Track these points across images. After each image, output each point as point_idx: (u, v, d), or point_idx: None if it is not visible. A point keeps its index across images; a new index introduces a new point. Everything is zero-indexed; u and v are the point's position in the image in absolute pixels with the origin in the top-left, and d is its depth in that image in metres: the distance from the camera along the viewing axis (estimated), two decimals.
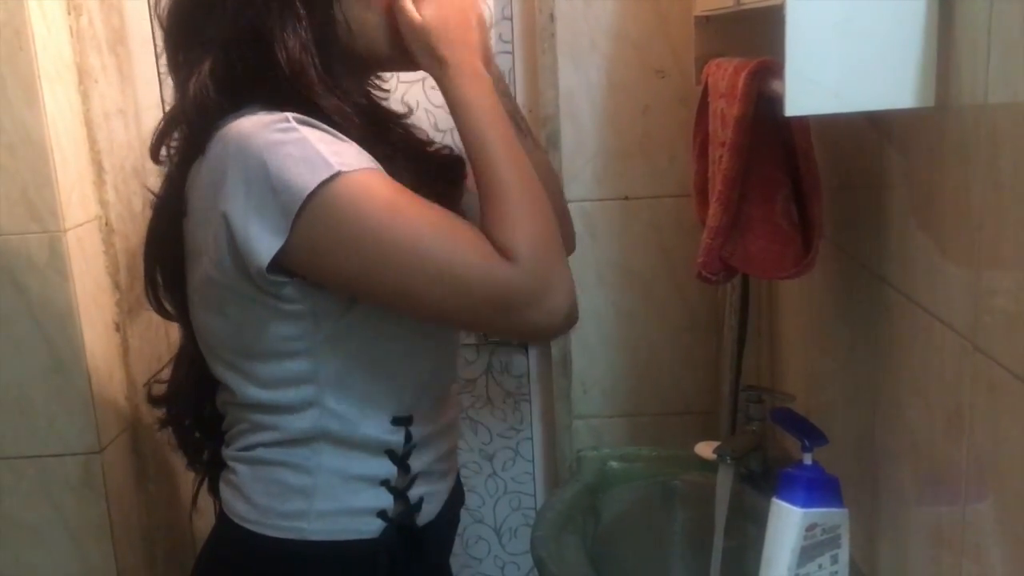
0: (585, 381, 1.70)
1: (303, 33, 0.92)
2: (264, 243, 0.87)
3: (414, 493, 1.02)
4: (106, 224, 1.52)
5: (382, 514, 0.99)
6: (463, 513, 1.79)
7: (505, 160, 0.91)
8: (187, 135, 0.95)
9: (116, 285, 1.55)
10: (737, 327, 1.54)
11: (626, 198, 1.64)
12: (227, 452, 1.05)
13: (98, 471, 1.49)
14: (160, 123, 0.99)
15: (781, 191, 1.08)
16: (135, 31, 1.63)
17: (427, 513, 1.04)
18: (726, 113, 1.08)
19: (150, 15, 1.62)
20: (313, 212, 0.85)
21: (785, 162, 1.08)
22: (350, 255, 0.87)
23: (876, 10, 0.81)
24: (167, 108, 1.63)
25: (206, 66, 0.92)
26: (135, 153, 1.63)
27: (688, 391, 1.71)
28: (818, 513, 0.98)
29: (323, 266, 0.89)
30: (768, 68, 1.00)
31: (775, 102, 0.91)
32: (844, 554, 1.01)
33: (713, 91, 1.16)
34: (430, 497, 1.04)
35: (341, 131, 0.91)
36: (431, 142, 1.09)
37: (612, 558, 1.38)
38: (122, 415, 1.57)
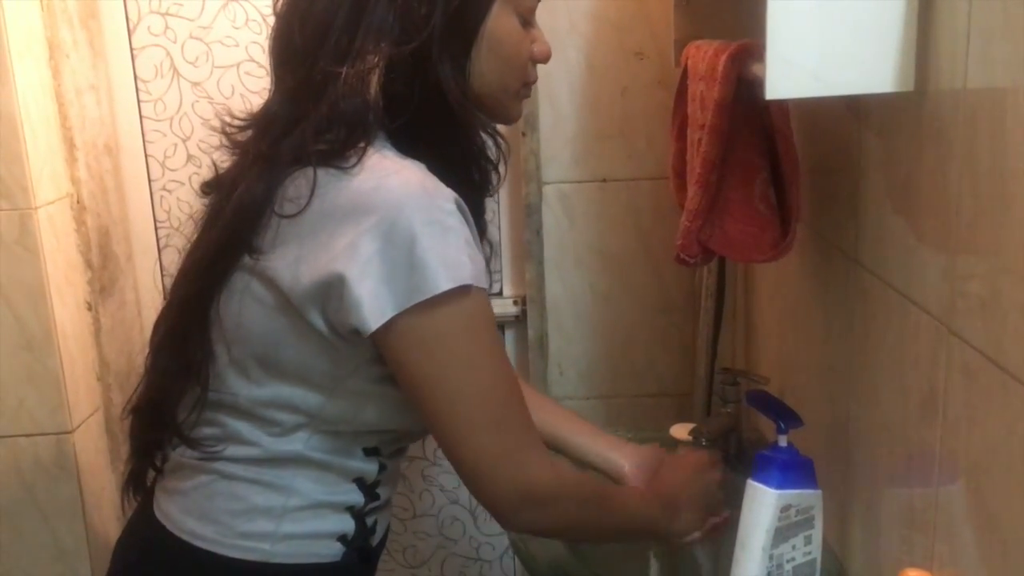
0: (561, 362, 1.71)
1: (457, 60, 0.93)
2: (376, 308, 0.85)
3: (370, 518, 1.01)
4: (77, 202, 1.51)
5: (342, 538, 0.99)
6: (439, 493, 1.81)
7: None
8: (335, 135, 0.89)
9: (88, 264, 1.53)
10: (713, 310, 1.55)
11: (604, 180, 1.64)
12: (184, 454, 0.99)
13: (70, 451, 1.48)
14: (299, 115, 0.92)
15: (759, 174, 1.09)
16: (107, 5, 1.60)
17: (377, 535, 1.04)
18: (706, 96, 1.08)
19: None
20: (430, 307, 0.85)
21: (764, 145, 1.08)
22: (430, 360, 0.88)
23: None
24: (141, 83, 1.62)
25: (375, 74, 0.89)
26: (107, 130, 1.61)
27: (664, 373, 1.72)
28: (792, 494, 0.99)
29: (399, 349, 0.88)
30: (748, 51, 1.00)
31: (755, 85, 0.91)
32: (817, 535, 1.02)
33: (693, 73, 1.16)
34: (382, 520, 1.05)
35: (468, 165, 0.99)
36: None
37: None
38: (94, 395, 1.56)
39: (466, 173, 1.00)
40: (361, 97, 0.88)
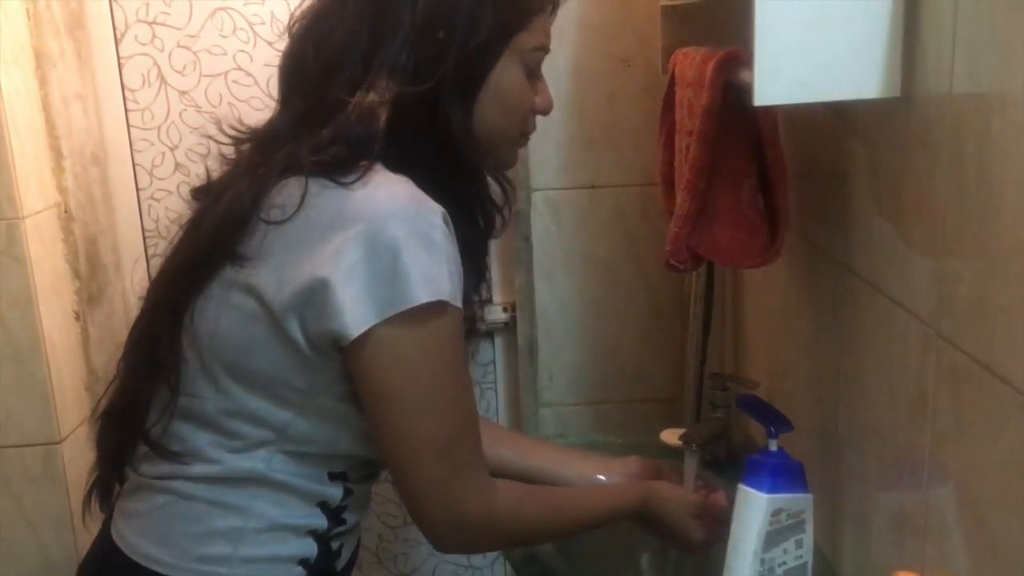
0: (551, 369, 1.71)
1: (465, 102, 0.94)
2: (358, 316, 0.85)
3: (335, 542, 1.00)
4: (65, 211, 1.50)
5: (304, 562, 0.97)
6: None
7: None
8: (337, 150, 0.90)
9: (76, 273, 1.52)
10: (702, 315, 1.55)
11: (592, 187, 1.64)
12: (144, 474, 0.97)
13: (58, 462, 1.47)
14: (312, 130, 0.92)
15: (748, 180, 1.09)
16: (94, 14, 1.59)
17: (343, 559, 1.03)
18: (693, 102, 1.09)
19: None
20: (407, 319, 0.86)
21: (752, 151, 1.09)
22: (397, 373, 0.88)
23: (844, 1, 0.81)
24: (128, 92, 1.62)
25: (385, 108, 0.89)
26: (94, 139, 1.60)
27: (653, 379, 1.72)
28: (783, 498, 0.99)
29: (369, 360, 0.88)
30: (736, 58, 1.01)
31: (742, 92, 0.91)
32: (808, 538, 1.03)
33: (680, 80, 1.16)
34: (348, 544, 1.03)
35: (472, 207, 1.01)
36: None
37: (579, 544, 1.38)
38: (82, 405, 1.55)
39: (470, 215, 1.01)
40: (367, 128, 0.89)
